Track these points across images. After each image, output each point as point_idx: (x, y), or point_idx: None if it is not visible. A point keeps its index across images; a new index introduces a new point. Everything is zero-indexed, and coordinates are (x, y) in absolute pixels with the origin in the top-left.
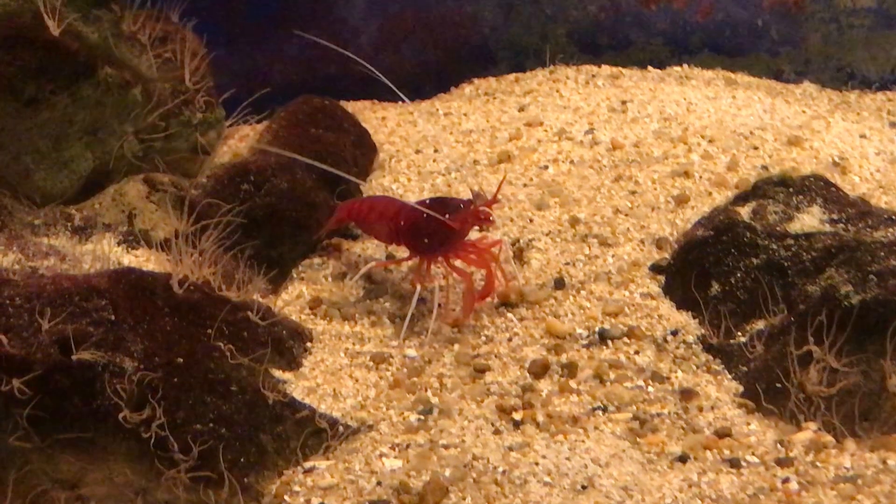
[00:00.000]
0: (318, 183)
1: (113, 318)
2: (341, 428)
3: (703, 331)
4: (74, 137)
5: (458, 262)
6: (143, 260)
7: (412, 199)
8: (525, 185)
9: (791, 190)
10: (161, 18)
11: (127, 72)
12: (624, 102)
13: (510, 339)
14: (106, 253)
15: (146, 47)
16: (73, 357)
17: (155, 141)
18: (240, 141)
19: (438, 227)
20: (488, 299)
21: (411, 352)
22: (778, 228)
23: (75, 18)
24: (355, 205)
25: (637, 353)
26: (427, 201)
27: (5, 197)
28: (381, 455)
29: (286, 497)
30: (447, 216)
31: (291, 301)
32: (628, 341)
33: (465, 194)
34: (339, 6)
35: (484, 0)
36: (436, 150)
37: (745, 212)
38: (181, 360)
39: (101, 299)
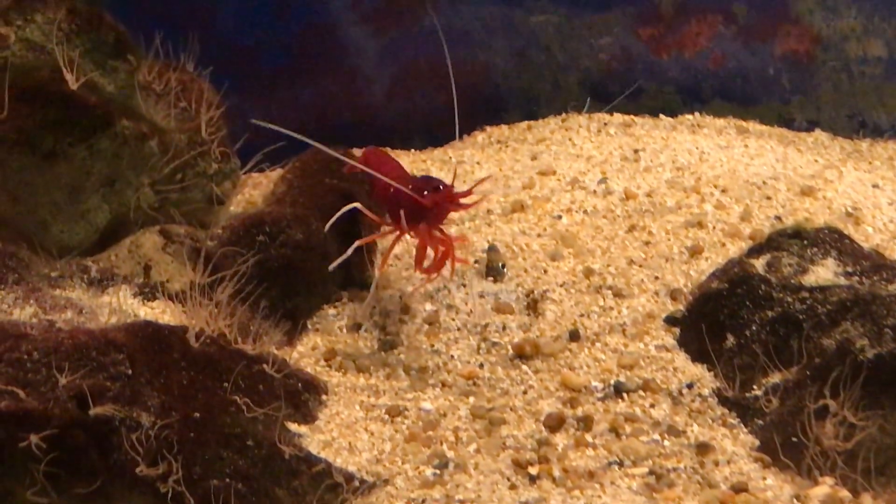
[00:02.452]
0: (332, 234)
1: (130, 372)
2: (357, 482)
3: (718, 384)
4: (91, 190)
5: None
6: (159, 312)
7: None
8: (539, 235)
9: (805, 242)
10: (176, 68)
11: (144, 124)
12: (636, 151)
13: (525, 392)
14: (122, 305)
15: (162, 97)
16: (91, 412)
17: (171, 192)
18: (253, 188)
19: (415, 202)
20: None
21: (426, 405)
22: (793, 281)
23: (91, 70)
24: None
25: (653, 406)
26: (417, 177)
27: (22, 249)
28: None
29: None
30: (425, 193)
31: (306, 353)
32: (644, 394)
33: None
34: (352, 55)
35: (496, 48)
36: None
37: (759, 264)
38: (198, 414)
39: (119, 353)
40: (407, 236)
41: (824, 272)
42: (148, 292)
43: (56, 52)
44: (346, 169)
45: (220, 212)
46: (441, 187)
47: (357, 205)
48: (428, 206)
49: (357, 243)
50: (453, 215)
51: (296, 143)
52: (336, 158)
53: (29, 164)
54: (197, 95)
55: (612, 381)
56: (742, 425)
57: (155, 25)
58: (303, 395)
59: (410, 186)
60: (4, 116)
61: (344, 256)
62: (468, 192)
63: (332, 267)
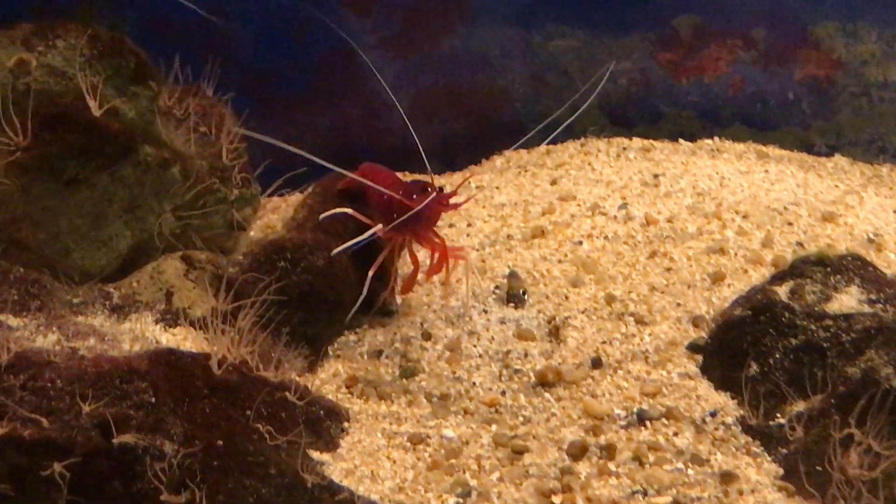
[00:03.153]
0: (353, 260)
1: (153, 400)
2: None
3: (742, 412)
4: (113, 216)
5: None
6: (181, 339)
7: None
8: (560, 261)
9: (828, 269)
10: (197, 93)
11: (166, 150)
12: (656, 176)
13: (548, 420)
14: (144, 332)
15: (182, 122)
16: (114, 440)
17: (192, 218)
18: (272, 213)
19: (404, 207)
20: (435, 276)
21: (449, 432)
22: (816, 309)
23: (113, 95)
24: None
25: (676, 434)
26: (408, 183)
27: (44, 275)
28: None
29: None
30: (414, 196)
31: (328, 379)
32: (667, 422)
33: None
34: (371, 78)
35: (515, 72)
36: (469, 225)
37: (782, 291)
38: (221, 442)
39: (142, 381)
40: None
41: (848, 300)
42: (170, 319)
43: (78, 78)
44: (342, 184)
45: (241, 237)
46: (429, 189)
47: (347, 209)
48: (416, 208)
49: (371, 273)
50: (472, 240)
51: (314, 169)
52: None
53: (51, 191)
54: (217, 120)
55: (634, 409)
56: (766, 454)
57: (175, 50)
58: (325, 423)
59: (401, 192)
60: (28, 143)
61: (364, 292)
62: (454, 193)
63: (360, 301)
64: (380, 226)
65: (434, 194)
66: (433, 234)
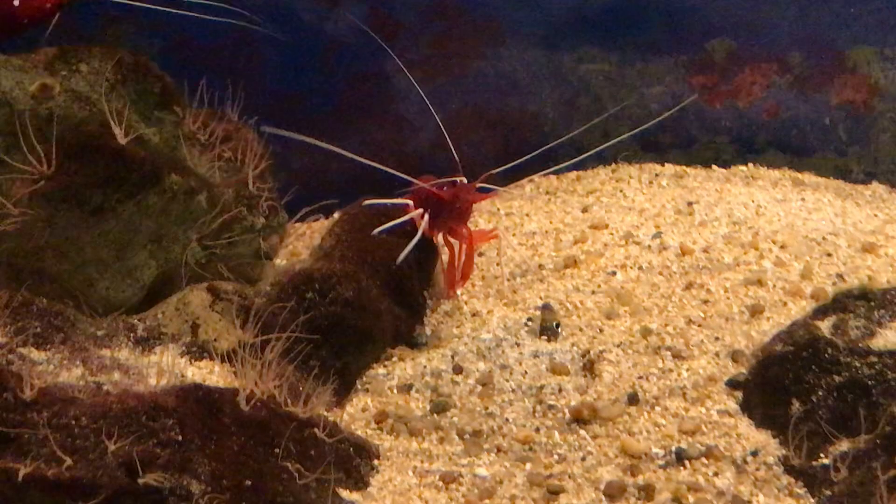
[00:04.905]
0: (382, 290)
1: (180, 438)
2: None
3: (784, 451)
4: (139, 246)
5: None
6: (207, 372)
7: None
8: (593, 293)
9: (872, 304)
10: (222, 118)
11: (192, 178)
12: (690, 204)
13: (584, 459)
14: (170, 366)
15: (207, 148)
16: (140, 480)
17: (218, 247)
18: (297, 240)
19: (437, 201)
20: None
21: (482, 471)
22: (860, 345)
23: (137, 121)
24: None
25: (716, 474)
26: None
27: (68, 307)
28: None
29: None
30: (444, 189)
31: (356, 414)
32: (707, 462)
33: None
34: (398, 103)
35: (546, 97)
36: (499, 254)
37: (825, 326)
38: (249, 482)
39: (169, 418)
40: None
41: (892, 335)
42: (196, 351)
43: (103, 104)
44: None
45: (267, 266)
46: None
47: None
48: (448, 200)
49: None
50: (503, 270)
51: (340, 193)
52: (386, 213)
53: (76, 221)
54: (243, 145)
55: (673, 448)
56: (809, 495)
57: (199, 73)
58: (354, 461)
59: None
60: (52, 172)
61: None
62: (473, 185)
63: (400, 258)
64: (419, 211)
65: (467, 185)
66: (466, 229)
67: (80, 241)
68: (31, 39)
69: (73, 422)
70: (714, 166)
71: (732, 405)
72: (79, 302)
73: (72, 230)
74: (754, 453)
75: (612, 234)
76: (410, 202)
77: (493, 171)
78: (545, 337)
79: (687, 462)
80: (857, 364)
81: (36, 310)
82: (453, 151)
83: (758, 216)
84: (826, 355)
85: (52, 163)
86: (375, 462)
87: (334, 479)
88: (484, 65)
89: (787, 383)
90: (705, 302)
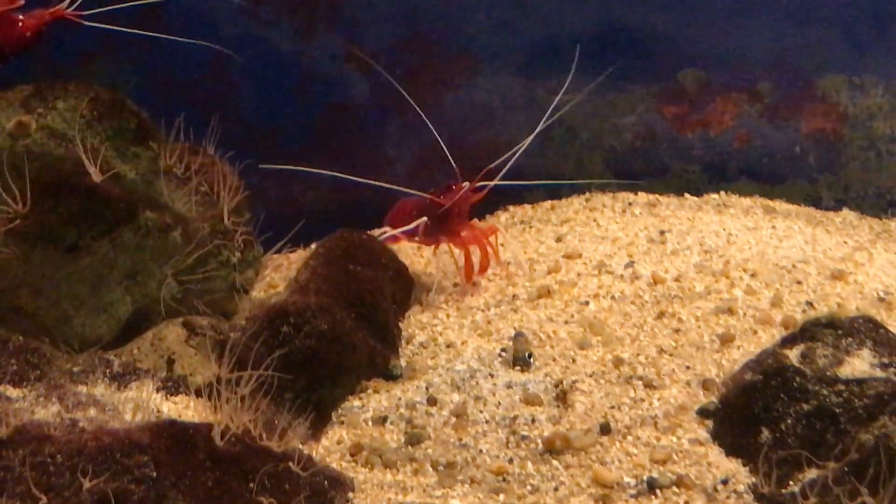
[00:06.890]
0: (357, 323)
1: (154, 474)
2: None
3: (754, 479)
4: (114, 282)
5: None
6: (183, 407)
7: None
8: (566, 322)
9: (840, 332)
10: (197, 151)
11: (167, 214)
12: (662, 233)
13: (556, 489)
14: (145, 401)
15: (183, 182)
16: None
17: (194, 282)
18: (274, 272)
19: (435, 209)
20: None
21: (455, 502)
22: (828, 373)
23: (113, 157)
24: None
25: (687, 503)
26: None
27: (44, 343)
28: None
29: None
30: (441, 197)
31: (331, 447)
32: (678, 491)
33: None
34: (373, 134)
35: (519, 126)
36: (474, 284)
37: (793, 355)
38: None
39: (143, 455)
40: None
41: (860, 364)
42: (171, 386)
43: (77, 142)
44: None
45: (244, 300)
46: (454, 187)
47: (388, 229)
48: (446, 204)
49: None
50: (477, 300)
51: (316, 223)
52: (361, 245)
53: (51, 258)
54: (219, 179)
55: (644, 477)
56: None
57: (176, 107)
58: (329, 493)
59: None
60: (27, 211)
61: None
62: (471, 187)
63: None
64: (424, 219)
65: (462, 186)
66: (468, 230)
67: (55, 278)
68: (7, 76)
69: (49, 459)
70: (686, 195)
71: (703, 434)
72: (55, 338)
73: (47, 267)
74: (724, 482)
75: (585, 263)
76: (419, 226)
77: (491, 167)
78: (518, 367)
79: (658, 491)
80: (825, 392)
81: (12, 347)
82: (450, 158)
83: (729, 244)
84: (794, 384)
85: (28, 201)
86: (350, 495)
87: None
88: (458, 95)
89: (757, 412)
90: (676, 331)
